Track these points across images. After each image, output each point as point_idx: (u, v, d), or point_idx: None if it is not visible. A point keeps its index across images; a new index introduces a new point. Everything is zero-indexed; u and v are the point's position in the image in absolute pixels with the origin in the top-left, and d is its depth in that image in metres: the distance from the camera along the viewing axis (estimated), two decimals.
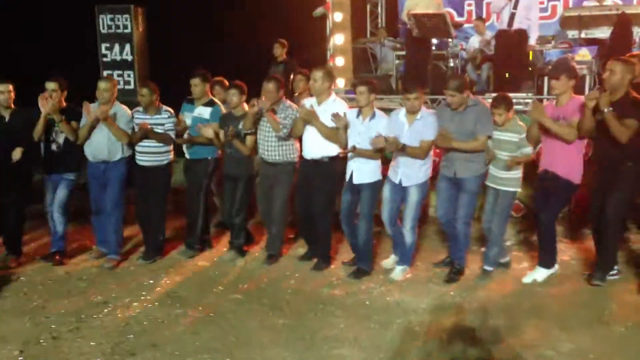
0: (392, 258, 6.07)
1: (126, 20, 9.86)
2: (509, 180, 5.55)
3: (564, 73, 5.38)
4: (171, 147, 6.36)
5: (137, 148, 6.25)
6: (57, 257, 6.27)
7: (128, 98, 7.48)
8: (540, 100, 7.21)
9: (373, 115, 5.71)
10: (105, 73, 9.85)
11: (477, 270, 5.89)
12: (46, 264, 6.25)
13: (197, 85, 6.31)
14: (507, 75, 8.29)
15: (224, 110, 6.35)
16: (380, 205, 5.91)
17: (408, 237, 5.79)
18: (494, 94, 7.81)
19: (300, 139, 6.09)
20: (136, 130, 6.16)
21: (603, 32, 8.64)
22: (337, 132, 5.75)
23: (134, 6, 9.88)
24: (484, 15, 10.77)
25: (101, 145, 6.10)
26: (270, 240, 6.38)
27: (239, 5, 12.69)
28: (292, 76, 9.00)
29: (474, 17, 10.87)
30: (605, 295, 5.31)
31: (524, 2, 8.20)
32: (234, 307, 5.27)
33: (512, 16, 8.03)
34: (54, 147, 6.15)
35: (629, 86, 5.18)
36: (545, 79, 7.90)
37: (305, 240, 6.47)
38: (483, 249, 6.03)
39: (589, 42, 8.70)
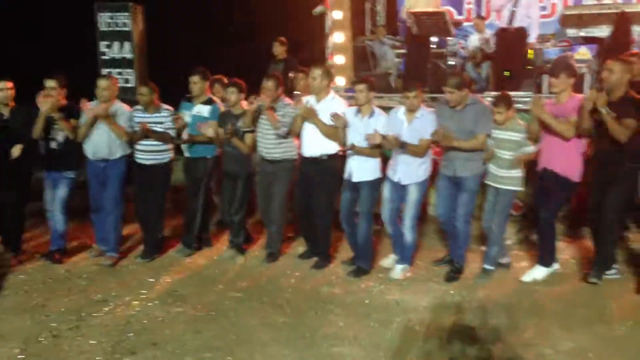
0: (392, 257, 6.08)
1: (125, 18, 9.84)
2: (509, 179, 5.56)
3: (563, 71, 5.39)
4: (171, 145, 6.37)
5: (137, 146, 6.25)
6: (57, 256, 6.27)
7: (127, 96, 7.49)
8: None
9: (372, 113, 5.71)
10: (104, 71, 9.84)
11: (477, 269, 5.89)
12: (46, 262, 6.25)
13: (196, 82, 6.31)
14: (506, 73, 8.28)
15: (222, 108, 6.35)
16: (380, 204, 5.91)
17: (408, 235, 5.80)
18: (493, 93, 7.85)
19: (299, 137, 6.10)
20: (136, 128, 6.15)
21: (603, 31, 8.63)
22: (336, 130, 5.76)
23: (133, 4, 9.86)
24: (484, 14, 10.76)
25: (101, 143, 6.10)
26: (270, 238, 6.39)
27: (239, 4, 12.69)
28: (291, 74, 9.02)
29: (473, 15, 10.86)
30: (605, 294, 5.32)
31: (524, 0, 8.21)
32: (234, 305, 5.28)
33: (512, 14, 8.03)
34: (53, 145, 6.14)
35: (628, 85, 5.19)
36: (545, 77, 7.91)
37: (305, 239, 6.47)
38: (483, 248, 6.03)
39: (589, 40, 8.70)
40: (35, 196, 6.63)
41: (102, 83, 6.08)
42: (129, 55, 9.89)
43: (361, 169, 5.78)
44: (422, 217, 6.54)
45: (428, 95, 7.82)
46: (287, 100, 6.14)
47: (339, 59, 9.74)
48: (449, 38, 9.52)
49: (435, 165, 5.96)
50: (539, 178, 5.61)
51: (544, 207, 5.54)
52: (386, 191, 5.83)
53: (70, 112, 6.07)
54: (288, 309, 5.19)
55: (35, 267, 6.20)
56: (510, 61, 8.28)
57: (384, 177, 5.84)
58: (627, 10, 8.20)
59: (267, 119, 5.97)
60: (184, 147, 6.47)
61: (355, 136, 5.72)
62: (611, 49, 7.85)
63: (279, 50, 9.20)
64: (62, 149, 6.13)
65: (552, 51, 9.06)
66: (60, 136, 6.11)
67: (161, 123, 6.20)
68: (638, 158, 5.22)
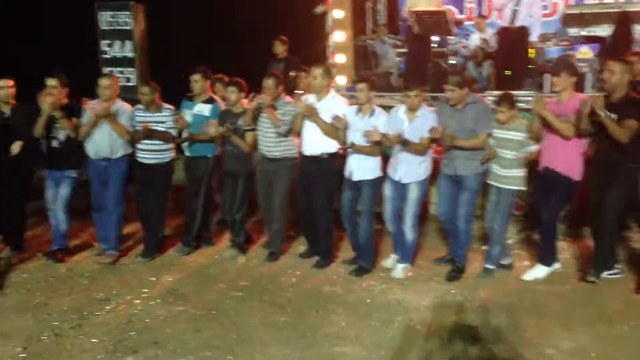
0: (393, 258, 6.08)
1: (127, 16, 9.83)
2: (511, 179, 5.55)
3: (564, 70, 5.40)
4: (172, 144, 6.37)
5: (139, 145, 6.26)
6: (59, 255, 6.28)
7: (129, 95, 7.48)
8: None
9: (372, 112, 5.72)
10: (106, 70, 9.83)
11: (479, 268, 5.89)
12: (48, 261, 6.25)
13: (197, 81, 6.32)
14: (507, 73, 8.28)
15: (223, 107, 6.35)
16: (382, 203, 5.92)
17: (409, 234, 5.80)
18: (495, 92, 7.84)
19: (299, 136, 6.11)
20: (137, 128, 6.16)
21: (604, 30, 8.63)
22: (337, 129, 5.77)
23: (134, 3, 9.85)
24: (485, 13, 10.75)
25: (103, 143, 6.10)
26: (271, 237, 6.40)
27: (240, 2, 12.67)
28: (291, 73, 9.01)
29: (474, 14, 10.85)
30: (606, 293, 5.32)
31: None
32: (235, 304, 5.28)
33: (514, 13, 8.02)
34: (54, 143, 6.14)
35: (629, 86, 5.19)
36: (547, 76, 7.90)
37: (306, 238, 6.48)
38: (484, 248, 6.04)
39: (590, 39, 8.70)
40: (37, 195, 6.64)
41: (103, 82, 6.08)
42: (130, 54, 9.88)
43: (362, 168, 5.78)
44: (423, 216, 6.55)
45: (429, 95, 7.82)
46: (288, 98, 6.14)
47: (340, 58, 9.73)
48: (450, 37, 9.52)
49: (436, 164, 5.96)
50: (540, 177, 5.61)
51: (546, 207, 5.54)
52: (387, 190, 5.84)
53: (72, 110, 6.08)
54: (289, 308, 5.19)
55: (37, 265, 6.21)
56: (512, 60, 8.28)
57: (384, 176, 5.84)
58: (628, 9, 8.19)
59: (268, 118, 5.97)
60: (184, 146, 6.47)
61: (356, 135, 5.72)
62: (613, 48, 7.86)
63: (279, 49, 9.20)
64: (64, 147, 6.13)
65: (553, 50, 9.06)
66: (61, 135, 6.11)
67: (163, 122, 6.20)
68: (639, 158, 5.22)
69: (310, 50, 10.16)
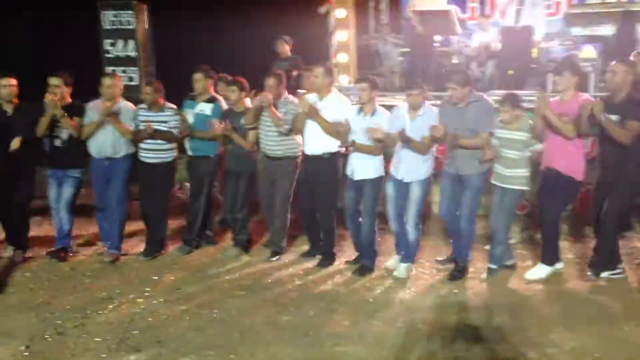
0: (395, 259, 6.06)
1: (129, 16, 9.84)
2: (516, 179, 5.54)
3: (567, 69, 5.39)
4: (175, 144, 6.38)
5: (141, 145, 6.27)
6: (62, 254, 6.30)
7: (131, 94, 7.49)
8: None
9: (374, 112, 5.72)
10: (108, 69, 9.84)
11: (482, 268, 5.89)
12: (51, 260, 6.26)
13: (199, 80, 6.32)
14: (510, 72, 8.28)
15: (225, 106, 6.36)
16: (384, 203, 5.91)
17: (411, 233, 5.80)
18: (498, 91, 7.83)
19: (301, 134, 6.12)
20: (140, 127, 6.17)
21: (607, 30, 8.62)
22: (339, 128, 5.78)
23: (137, 2, 9.86)
24: (488, 12, 10.72)
25: (106, 142, 6.12)
26: (274, 236, 6.41)
27: (243, 2, 12.68)
28: (294, 72, 9.01)
29: (477, 14, 10.83)
30: (609, 293, 5.31)
31: None
32: (238, 303, 5.28)
33: (517, 13, 8.01)
34: (57, 142, 6.16)
35: (631, 87, 5.18)
36: (550, 76, 7.89)
37: (308, 237, 6.49)
38: (487, 247, 6.03)
39: (593, 39, 8.68)
40: (40, 194, 6.66)
41: (106, 81, 6.09)
42: (132, 54, 9.89)
43: (363, 167, 5.78)
44: (426, 215, 6.55)
45: (432, 94, 7.81)
46: (290, 97, 6.15)
47: (343, 58, 9.74)
48: (453, 36, 9.50)
49: (439, 163, 5.96)
50: (543, 177, 5.60)
51: (548, 207, 5.54)
52: (390, 189, 5.84)
53: (75, 110, 6.09)
54: (291, 307, 5.19)
55: (40, 264, 6.23)
56: (515, 60, 8.27)
57: (386, 175, 5.84)
58: (631, 8, 8.18)
59: (269, 117, 5.98)
60: (187, 146, 6.47)
61: (358, 134, 5.73)
62: (616, 47, 7.84)
63: (282, 48, 9.21)
64: (67, 147, 6.14)
65: (556, 50, 9.05)
66: (64, 134, 6.12)
67: (165, 122, 6.21)
68: None
69: (313, 49, 10.17)
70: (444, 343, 4.52)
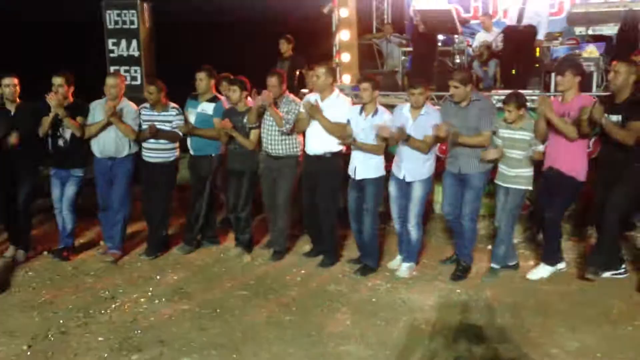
0: (398, 259, 6.06)
1: (133, 15, 9.85)
2: (520, 179, 5.54)
3: (569, 69, 5.38)
4: (177, 143, 6.38)
5: (144, 144, 6.27)
6: (65, 253, 6.31)
7: (134, 94, 7.49)
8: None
9: (376, 112, 5.72)
10: (112, 69, 9.86)
11: (484, 268, 5.89)
12: (54, 259, 6.27)
13: (202, 79, 6.33)
14: (513, 72, 8.26)
15: (227, 105, 6.36)
16: (385, 202, 5.91)
17: (413, 233, 5.80)
18: (501, 91, 7.82)
19: (303, 135, 6.12)
20: (143, 127, 6.17)
21: (610, 29, 8.61)
22: (339, 128, 5.78)
23: (140, 2, 9.87)
24: (491, 12, 10.71)
25: (109, 142, 6.12)
26: (275, 236, 6.41)
27: (246, 1, 12.69)
28: (297, 72, 9.02)
29: (480, 13, 10.82)
30: (612, 293, 5.31)
31: None
32: (240, 303, 5.29)
33: (521, 12, 7.98)
34: (60, 142, 6.15)
35: (634, 86, 5.17)
36: (553, 75, 7.87)
37: (310, 237, 6.49)
38: (490, 247, 6.03)
39: (597, 38, 8.67)
40: (43, 193, 6.67)
41: (110, 81, 6.09)
42: (136, 53, 9.90)
43: (365, 167, 5.78)
44: (428, 215, 6.54)
45: (434, 94, 7.81)
46: (292, 97, 6.16)
47: (346, 57, 9.73)
48: (455, 36, 9.48)
49: (441, 163, 5.96)
50: (545, 177, 5.59)
51: (549, 207, 5.53)
52: (392, 189, 5.84)
53: (78, 109, 6.09)
54: (294, 307, 5.20)
55: (43, 264, 6.23)
56: (518, 59, 8.24)
57: (388, 175, 5.84)
58: (635, 8, 8.16)
59: (271, 115, 5.98)
60: (188, 145, 6.47)
61: (359, 134, 5.73)
62: (619, 47, 7.83)
63: (285, 47, 9.22)
64: (70, 146, 6.14)
65: (559, 49, 9.02)
66: (67, 134, 6.12)
67: (169, 122, 6.22)
68: None
69: (317, 49, 10.18)
70: (446, 343, 4.52)
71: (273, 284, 5.71)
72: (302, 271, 6.01)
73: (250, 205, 6.37)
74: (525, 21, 8.04)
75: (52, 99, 5.86)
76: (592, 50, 8.07)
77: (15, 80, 6.09)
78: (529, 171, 5.56)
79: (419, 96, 5.55)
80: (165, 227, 6.59)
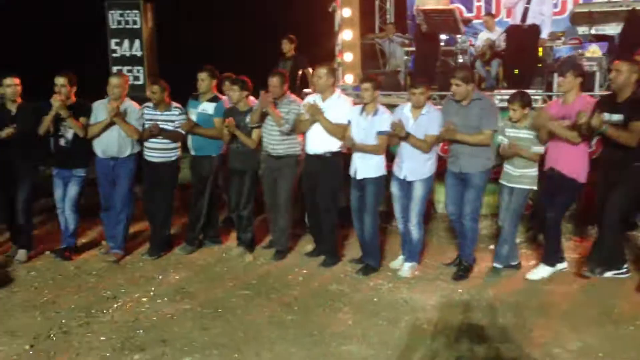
0: (400, 258, 6.06)
1: (135, 15, 9.87)
2: (524, 178, 5.54)
3: (569, 70, 5.37)
4: (179, 143, 6.39)
5: (146, 144, 6.28)
6: (67, 253, 6.31)
7: (137, 94, 7.50)
8: (550, 97, 7.19)
9: (376, 111, 5.72)
10: (115, 69, 9.88)
11: (486, 268, 5.88)
12: (56, 259, 6.28)
13: (204, 79, 6.33)
14: (516, 71, 8.25)
15: (228, 105, 6.37)
16: (388, 201, 5.91)
17: (415, 232, 5.80)
18: (503, 91, 7.82)
19: (303, 135, 6.12)
20: (146, 126, 6.18)
21: (613, 29, 8.59)
22: (340, 128, 5.78)
23: (143, 2, 9.89)
24: (494, 11, 10.71)
25: (111, 141, 6.12)
26: (278, 235, 6.41)
27: (248, 1, 12.70)
28: (300, 72, 9.02)
29: (483, 13, 10.82)
30: (613, 293, 5.30)
31: None
32: (242, 302, 5.29)
33: (525, 11, 7.96)
34: (62, 142, 6.15)
35: (636, 86, 5.16)
36: (555, 75, 7.86)
37: (313, 237, 6.49)
38: (492, 247, 6.02)
39: (599, 38, 8.65)
40: (46, 193, 6.67)
41: (113, 80, 6.10)
42: (138, 53, 9.92)
43: (365, 167, 5.78)
44: (429, 215, 6.53)
45: (436, 93, 7.81)
46: (292, 97, 6.16)
47: (348, 57, 9.73)
48: (458, 36, 9.48)
49: (443, 162, 5.96)
50: (546, 177, 5.58)
51: (550, 207, 5.52)
52: (394, 188, 5.84)
53: (80, 109, 6.10)
54: (296, 306, 5.20)
55: (45, 263, 6.24)
56: (522, 59, 8.23)
57: (389, 175, 5.84)
58: (637, 7, 8.15)
59: (271, 116, 5.99)
60: (189, 145, 6.48)
61: (360, 134, 5.73)
62: (622, 46, 7.81)
63: (287, 47, 9.22)
64: (72, 146, 6.14)
65: (562, 49, 9.01)
66: (69, 134, 6.12)
67: (172, 121, 6.22)
68: None
69: (320, 48, 10.18)
70: (448, 343, 4.52)
71: (275, 283, 5.71)
72: (304, 271, 6.01)
73: (252, 204, 6.38)
74: (529, 20, 8.01)
75: (55, 100, 5.87)
76: (594, 50, 8.06)
77: (17, 80, 6.10)
78: (534, 171, 5.55)
79: (420, 96, 5.55)
80: (168, 226, 6.60)
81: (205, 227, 6.60)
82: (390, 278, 5.78)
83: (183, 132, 6.26)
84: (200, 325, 4.84)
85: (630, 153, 5.08)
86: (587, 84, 6.17)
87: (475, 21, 11.00)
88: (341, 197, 6.22)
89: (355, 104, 6.07)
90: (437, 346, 4.48)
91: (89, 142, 6.15)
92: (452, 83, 5.51)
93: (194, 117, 6.35)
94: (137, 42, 9.90)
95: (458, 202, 5.73)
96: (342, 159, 6.02)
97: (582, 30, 8.92)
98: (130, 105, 6.20)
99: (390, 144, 5.75)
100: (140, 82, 9.85)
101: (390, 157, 5.89)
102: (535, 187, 5.61)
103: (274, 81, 5.99)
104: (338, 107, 5.89)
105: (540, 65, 8.62)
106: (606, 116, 5.12)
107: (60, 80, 6.00)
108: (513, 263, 5.89)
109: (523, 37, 8.17)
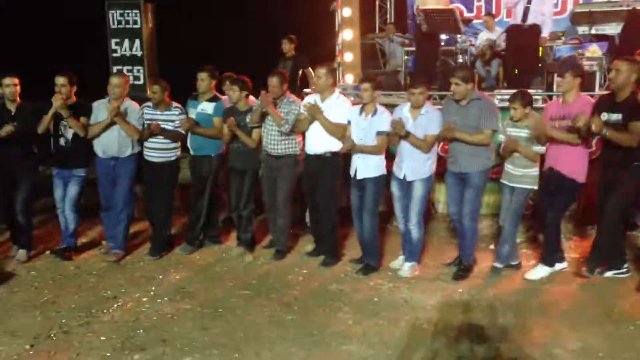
0: (401, 258, 6.06)
1: (136, 15, 9.87)
2: (525, 178, 5.54)
3: (569, 71, 5.37)
4: (179, 143, 6.39)
5: (145, 144, 6.28)
6: (67, 253, 6.31)
7: (137, 93, 7.50)
8: (550, 97, 7.18)
9: (375, 112, 5.72)
10: (115, 69, 9.88)
11: (486, 268, 5.88)
12: (56, 259, 6.28)
13: (203, 79, 6.33)
14: (516, 71, 8.25)
15: (228, 104, 6.37)
16: (388, 201, 5.91)
17: (415, 232, 5.80)
18: (503, 91, 7.81)
19: (303, 135, 6.13)
20: (146, 126, 6.18)
21: (613, 29, 8.58)
22: (340, 128, 5.78)
23: (144, 2, 9.88)
24: (494, 11, 10.71)
25: (112, 141, 6.12)
26: (277, 235, 6.41)
27: (249, 1, 12.70)
28: (300, 72, 9.01)
29: (483, 13, 10.81)
30: (614, 293, 5.30)
31: None
32: (243, 302, 5.29)
33: (526, 11, 7.96)
34: (62, 142, 6.15)
35: (636, 85, 5.16)
36: (555, 75, 7.86)
37: (314, 237, 6.49)
38: (492, 247, 6.02)
39: (600, 38, 8.64)
40: (46, 193, 6.67)
41: (114, 80, 6.10)
42: (139, 53, 9.92)
43: (365, 167, 5.79)
44: (429, 215, 6.53)
45: (437, 93, 7.81)
46: (292, 97, 6.16)
47: (348, 57, 9.72)
48: (458, 35, 9.47)
49: (443, 162, 5.96)
50: (545, 177, 5.59)
51: (550, 207, 5.52)
52: (394, 188, 5.84)
53: (80, 109, 6.10)
54: (296, 306, 5.20)
55: (45, 263, 6.24)
56: (522, 58, 8.23)
57: (389, 174, 5.85)
58: (638, 7, 8.14)
59: (270, 116, 5.99)
60: (188, 145, 6.48)
61: (359, 134, 5.74)
62: (622, 46, 7.81)
63: (287, 47, 9.21)
64: (72, 146, 6.14)
65: (562, 49, 9.00)
66: (69, 134, 6.12)
67: (172, 121, 6.23)
68: None
69: (320, 48, 10.18)
70: (448, 342, 4.52)
71: (275, 283, 5.71)
72: (304, 271, 6.01)
73: (252, 204, 6.38)
74: (530, 20, 8.01)
75: (57, 99, 5.87)
76: (594, 50, 8.06)
77: (16, 80, 6.09)
78: (534, 171, 5.56)
79: (419, 96, 5.56)
80: (169, 227, 6.60)
81: (205, 227, 6.60)
82: (390, 278, 5.78)
83: (183, 131, 6.26)
84: (201, 325, 4.84)
85: (629, 153, 5.08)
86: (587, 84, 6.17)
87: (475, 21, 10.99)
88: (341, 197, 6.22)
89: (355, 104, 6.08)
90: (437, 346, 4.48)
91: (89, 142, 6.15)
92: (451, 82, 5.52)
93: (193, 117, 6.35)
94: (137, 42, 9.89)
95: (459, 202, 5.73)
96: (342, 159, 6.02)
97: (582, 30, 8.91)
98: (130, 105, 6.20)
99: (390, 144, 5.75)
100: (141, 82, 9.84)
101: (390, 157, 5.89)
102: (536, 187, 5.61)
103: (273, 81, 5.99)
104: (337, 107, 5.90)
105: (540, 65, 8.62)
106: (605, 116, 5.13)
107: (60, 80, 6.00)
108: (513, 263, 5.90)
109: (523, 37, 8.16)
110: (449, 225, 6.69)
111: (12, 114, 6.06)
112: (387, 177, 5.86)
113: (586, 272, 5.48)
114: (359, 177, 5.81)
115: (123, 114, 6.04)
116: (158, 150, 6.25)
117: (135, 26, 9.86)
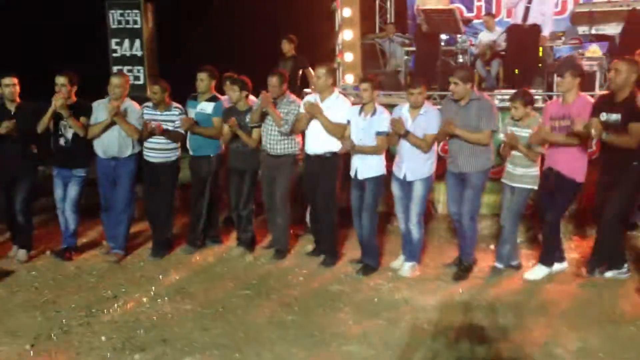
0: (401, 258, 6.06)
1: (136, 15, 9.87)
2: (526, 178, 5.54)
3: (568, 71, 5.37)
4: (179, 143, 6.39)
5: (145, 144, 6.28)
6: (67, 253, 6.31)
7: (137, 93, 7.49)
8: (550, 97, 7.19)
9: (375, 112, 5.72)
10: (115, 68, 9.88)
11: (486, 268, 5.88)
12: (56, 259, 6.28)
13: (203, 80, 6.34)
14: (516, 71, 8.25)
15: (227, 104, 6.37)
16: (389, 201, 5.91)
17: (415, 232, 5.80)
18: (504, 91, 7.81)
19: (302, 135, 6.13)
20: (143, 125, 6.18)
21: (613, 29, 8.58)
22: (340, 128, 5.79)
23: (144, 2, 9.88)
24: (494, 11, 10.71)
25: (112, 142, 6.12)
26: (277, 235, 6.41)
27: (248, 1, 12.70)
28: (300, 72, 9.01)
29: (483, 12, 10.81)
30: (614, 293, 5.30)
31: None
32: (243, 302, 5.29)
33: (526, 11, 7.96)
34: (62, 141, 6.15)
35: (634, 85, 5.16)
36: (555, 75, 7.86)
37: (315, 237, 6.49)
38: (492, 247, 6.02)
39: (600, 38, 8.65)
40: (46, 193, 6.67)
41: (115, 80, 6.09)
42: (139, 53, 9.92)
43: (365, 166, 5.79)
44: (429, 215, 6.53)
45: (437, 93, 7.81)
46: (292, 97, 6.17)
47: (348, 57, 9.73)
48: (458, 35, 9.48)
49: (443, 162, 5.96)
50: (545, 177, 5.58)
51: (549, 208, 5.52)
52: (395, 188, 5.85)
53: (80, 109, 6.09)
54: (296, 306, 5.20)
55: (46, 263, 6.24)
56: (522, 58, 8.23)
57: (389, 174, 5.85)
58: (638, 7, 8.14)
59: (270, 115, 6.00)
60: (188, 145, 6.48)
61: (358, 134, 5.74)
62: (622, 46, 7.81)
63: (287, 47, 9.21)
64: (72, 146, 6.13)
65: (562, 49, 9.01)
66: (69, 133, 6.12)
67: (172, 121, 6.23)
68: None
69: (320, 48, 10.18)
70: (448, 343, 4.52)
71: (275, 283, 5.71)
72: (305, 271, 6.01)
73: (252, 204, 6.39)
74: (530, 20, 8.01)
75: (57, 98, 5.87)
76: (595, 50, 8.07)
77: (15, 80, 6.09)
78: (535, 171, 5.56)
79: (418, 96, 5.56)
80: (170, 227, 6.59)
81: (205, 227, 6.59)
82: (390, 278, 5.78)
83: (182, 131, 6.26)
84: (201, 326, 4.85)
85: (629, 153, 5.08)
86: (587, 84, 6.17)
87: (475, 21, 10.99)
88: (342, 197, 6.22)
89: (355, 103, 6.08)
90: (437, 346, 4.48)
91: (89, 142, 6.15)
92: (450, 82, 5.52)
93: (192, 117, 6.35)
94: (137, 42, 9.89)
95: (459, 202, 5.72)
96: (341, 159, 6.02)
97: (582, 30, 8.91)
98: (130, 105, 6.20)
99: (390, 144, 5.75)
100: (141, 82, 9.85)
101: (390, 158, 5.89)
102: (536, 187, 5.61)
103: (273, 81, 6.00)
104: (337, 107, 5.90)
105: (540, 65, 8.62)
106: (604, 115, 5.13)
107: (60, 80, 6.00)
108: (514, 263, 5.90)
109: (523, 37, 8.16)
110: (449, 225, 6.69)
111: (12, 113, 6.06)
112: (387, 178, 5.86)
113: (586, 272, 5.48)
114: (359, 177, 5.81)
115: (123, 113, 6.04)
116: (158, 151, 6.25)
117: (135, 26, 9.86)
